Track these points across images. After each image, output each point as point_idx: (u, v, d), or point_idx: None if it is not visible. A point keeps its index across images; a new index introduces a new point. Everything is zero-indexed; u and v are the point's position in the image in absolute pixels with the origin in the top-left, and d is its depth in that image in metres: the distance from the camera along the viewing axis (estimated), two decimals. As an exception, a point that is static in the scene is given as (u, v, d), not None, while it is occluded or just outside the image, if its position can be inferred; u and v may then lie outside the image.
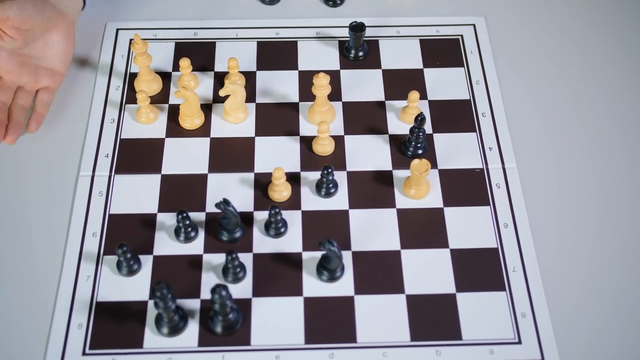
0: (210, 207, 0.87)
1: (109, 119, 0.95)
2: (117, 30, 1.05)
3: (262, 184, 0.89)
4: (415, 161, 0.85)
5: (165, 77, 1.00)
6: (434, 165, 0.91)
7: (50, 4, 0.90)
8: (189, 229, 0.84)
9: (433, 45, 1.04)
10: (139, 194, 0.88)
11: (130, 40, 1.04)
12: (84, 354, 0.77)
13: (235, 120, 0.95)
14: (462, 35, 1.05)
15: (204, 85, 0.99)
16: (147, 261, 0.83)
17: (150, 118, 0.95)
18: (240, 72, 0.98)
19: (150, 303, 0.80)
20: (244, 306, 0.80)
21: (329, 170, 0.85)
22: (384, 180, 0.90)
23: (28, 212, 0.87)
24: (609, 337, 0.79)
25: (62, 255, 0.83)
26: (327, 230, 0.86)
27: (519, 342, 0.78)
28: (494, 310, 0.80)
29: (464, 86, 0.99)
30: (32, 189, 0.89)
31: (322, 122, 0.89)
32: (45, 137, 0.94)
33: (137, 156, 0.92)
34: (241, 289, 0.81)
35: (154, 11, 1.08)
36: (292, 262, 0.83)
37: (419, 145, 0.92)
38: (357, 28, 0.99)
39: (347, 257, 0.83)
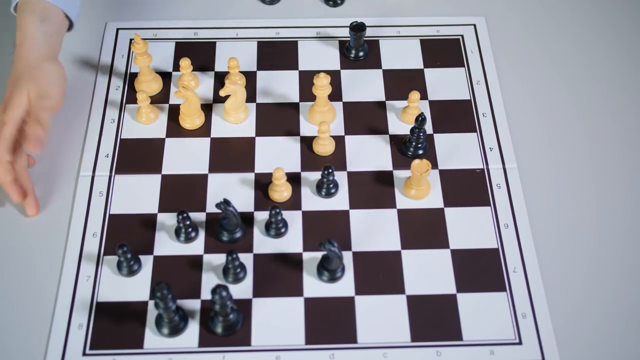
0: (211, 207, 0.87)
1: (109, 119, 0.95)
2: (117, 30, 1.05)
3: (263, 184, 0.89)
4: (416, 161, 0.85)
5: (166, 77, 1.00)
6: (434, 165, 0.91)
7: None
8: (189, 229, 0.84)
9: (433, 45, 1.04)
10: (139, 194, 0.88)
11: (131, 40, 1.04)
12: (84, 354, 0.76)
13: (236, 120, 0.95)
14: (462, 35, 1.05)
15: (205, 85, 0.99)
16: (147, 261, 0.83)
17: (150, 118, 0.95)
18: (240, 72, 0.98)
19: (151, 303, 0.80)
20: (244, 306, 0.80)
21: (330, 170, 0.85)
22: (384, 180, 0.90)
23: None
24: (609, 337, 0.79)
25: (62, 256, 0.83)
26: (327, 231, 0.86)
27: (520, 343, 0.78)
28: (494, 310, 0.80)
29: (465, 86, 0.99)
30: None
31: (322, 122, 0.89)
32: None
33: (137, 156, 0.92)
34: (241, 290, 0.81)
35: (154, 11, 1.08)
36: (292, 262, 0.83)
37: (419, 145, 0.92)
38: (357, 28, 0.99)
39: (347, 257, 0.83)
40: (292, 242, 0.85)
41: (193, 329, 0.78)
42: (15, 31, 0.87)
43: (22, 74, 0.85)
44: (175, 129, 0.94)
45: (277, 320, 0.79)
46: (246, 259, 0.83)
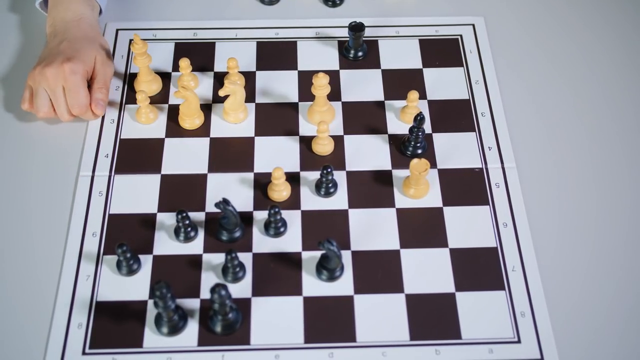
0: (210, 207, 0.87)
1: (108, 119, 0.95)
2: (117, 30, 1.05)
3: (262, 183, 0.89)
4: (415, 161, 0.86)
5: (165, 77, 1.00)
6: (433, 164, 0.92)
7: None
8: (189, 229, 0.84)
9: (432, 45, 1.04)
10: (138, 194, 0.89)
11: (130, 40, 1.04)
12: (83, 353, 0.77)
13: (235, 120, 0.95)
14: (461, 35, 1.06)
15: (204, 85, 1.00)
16: (146, 261, 0.83)
17: (150, 118, 0.95)
18: (239, 72, 0.98)
19: (150, 302, 0.80)
20: (243, 306, 0.80)
21: (329, 170, 0.85)
22: (383, 180, 0.90)
23: (28, 212, 0.87)
24: (609, 336, 0.79)
25: (62, 255, 0.83)
26: (326, 230, 0.86)
27: (519, 342, 0.78)
28: (493, 309, 0.80)
29: (463, 86, 1.00)
30: (32, 189, 0.89)
31: (321, 122, 0.89)
32: (45, 137, 0.94)
33: (137, 156, 0.92)
34: (241, 289, 0.81)
35: (154, 11, 1.08)
36: (291, 261, 0.83)
37: (418, 144, 0.92)
38: (356, 28, 0.99)
39: (346, 256, 0.84)
40: (291, 241, 0.85)
41: (192, 328, 0.79)
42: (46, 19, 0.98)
43: (85, 40, 0.94)
44: (174, 129, 0.95)
45: (277, 319, 0.79)
46: (245, 258, 0.83)
